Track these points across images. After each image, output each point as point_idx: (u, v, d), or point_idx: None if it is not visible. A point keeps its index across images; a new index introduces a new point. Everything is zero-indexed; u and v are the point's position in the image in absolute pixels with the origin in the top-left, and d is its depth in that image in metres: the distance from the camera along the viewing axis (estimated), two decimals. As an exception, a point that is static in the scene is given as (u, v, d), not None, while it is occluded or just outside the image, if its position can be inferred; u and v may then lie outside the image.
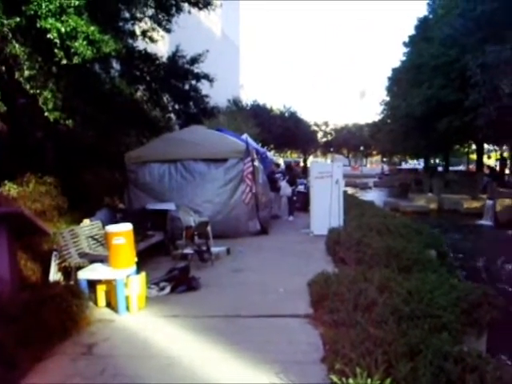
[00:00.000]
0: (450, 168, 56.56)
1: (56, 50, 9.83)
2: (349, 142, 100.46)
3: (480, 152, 45.31)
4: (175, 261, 9.46)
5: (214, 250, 9.96)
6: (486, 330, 5.91)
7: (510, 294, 12.51)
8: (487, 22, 28.71)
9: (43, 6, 9.39)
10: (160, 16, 17.34)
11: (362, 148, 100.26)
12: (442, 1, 44.85)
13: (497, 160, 47.20)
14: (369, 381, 3.84)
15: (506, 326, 7.28)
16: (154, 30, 17.64)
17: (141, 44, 17.91)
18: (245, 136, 18.40)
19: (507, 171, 40.08)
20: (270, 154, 28.57)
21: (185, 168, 12.70)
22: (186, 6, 17.35)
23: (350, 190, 36.40)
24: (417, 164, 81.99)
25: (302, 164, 43.64)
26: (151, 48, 18.37)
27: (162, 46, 25.14)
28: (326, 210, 12.41)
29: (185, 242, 10.36)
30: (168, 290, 7.52)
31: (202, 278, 8.03)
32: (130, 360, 5.07)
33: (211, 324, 6.09)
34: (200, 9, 17.80)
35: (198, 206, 12.19)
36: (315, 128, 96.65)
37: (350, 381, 3.89)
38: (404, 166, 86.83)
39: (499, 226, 24.87)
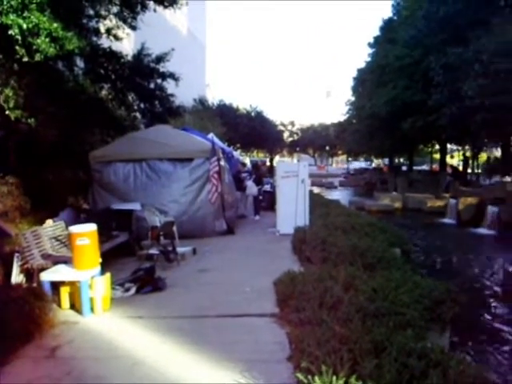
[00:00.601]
0: (414, 167, 57.50)
1: (17, 47, 9.66)
2: (315, 141, 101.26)
3: (443, 152, 46.15)
4: (141, 261, 9.36)
5: (179, 250, 9.91)
6: (448, 326, 6.01)
7: (473, 290, 12.78)
8: (450, 23, 29.25)
9: (4, 2, 9.21)
10: (125, 13, 17.17)
11: (327, 148, 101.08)
12: (406, 2, 45.47)
13: (460, 160, 48.11)
14: (334, 378, 3.86)
15: (468, 322, 7.44)
16: (118, 27, 17.46)
17: (105, 42, 17.70)
18: (211, 135, 18.36)
19: (469, 170, 40.88)
20: (237, 154, 28.53)
21: (150, 167, 12.59)
22: (151, 3, 17.23)
23: (316, 190, 36.68)
24: (381, 163, 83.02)
25: (268, 163, 43.73)
26: (116, 46, 18.17)
27: (127, 44, 24.90)
28: (292, 210, 12.45)
29: (150, 242, 10.29)
30: (133, 290, 7.45)
31: (167, 279, 7.97)
32: (94, 362, 5.00)
33: (177, 325, 6.05)
34: (165, 7, 17.67)
35: (163, 205, 12.09)
36: (281, 128, 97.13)
37: (316, 379, 3.89)
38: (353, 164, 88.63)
39: (462, 224, 25.38)
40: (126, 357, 5.08)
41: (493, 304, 12.11)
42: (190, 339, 5.46)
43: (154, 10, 17.77)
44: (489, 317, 11.24)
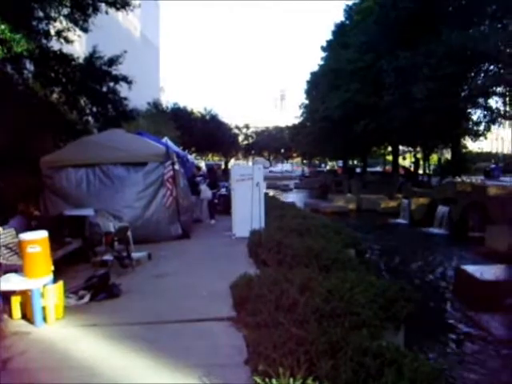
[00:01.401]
0: (368, 169, 58.40)
1: (-38, 50, 9.38)
2: (270, 144, 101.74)
3: (395, 153, 47.07)
4: (95, 268, 9.18)
5: (134, 255, 9.79)
6: (403, 324, 6.12)
7: (426, 288, 13.08)
8: (400, 28, 29.89)
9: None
10: (76, 16, 16.90)
11: (282, 150, 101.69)
12: (357, 7, 46.22)
13: (411, 161, 49.13)
14: (291, 380, 3.88)
15: (422, 319, 7.61)
16: (69, 29, 17.18)
17: (56, 44, 17.37)
18: (165, 139, 18.21)
19: (421, 171, 41.79)
20: (192, 157, 28.41)
21: (103, 172, 12.40)
22: (103, 5, 17.00)
23: (272, 192, 36.82)
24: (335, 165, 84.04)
25: (223, 167, 43.69)
26: (67, 49, 17.88)
27: (78, 47, 24.52)
28: (248, 213, 12.47)
29: (104, 248, 10.12)
30: (87, 298, 7.31)
31: (122, 285, 7.85)
32: (48, 373, 4.88)
33: (133, 332, 5.97)
34: (118, 9, 17.47)
35: (117, 211, 11.90)
36: (236, 131, 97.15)
37: (273, 381, 3.91)
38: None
39: (414, 223, 25.99)
40: (81, 367, 4.97)
41: (445, 301, 12.42)
42: (147, 346, 5.40)
43: (106, 13, 17.55)
44: (441, 313, 11.53)
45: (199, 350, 5.30)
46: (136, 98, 24.11)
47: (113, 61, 18.83)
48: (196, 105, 75.10)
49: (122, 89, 19.63)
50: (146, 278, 8.84)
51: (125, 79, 19.13)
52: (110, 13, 17.95)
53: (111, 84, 19.10)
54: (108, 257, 9.53)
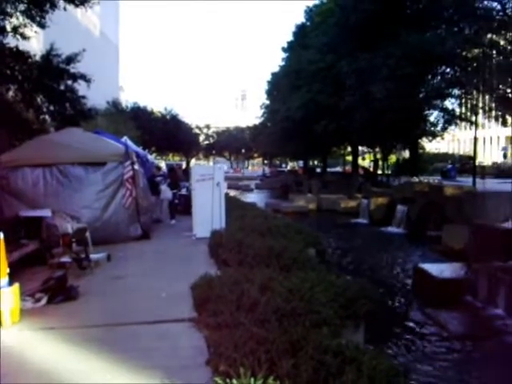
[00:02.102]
0: (328, 169, 58.99)
1: None
2: (230, 144, 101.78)
3: (355, 154, 47.69)
4: (52, 270, 8.98)
5: (93, 256, 9.62)
6: (363, 322, 6.19)
7: (385, 286, 13.26)
8: (360, 31, 30.29)
9: None
10: (33, 12, 16.52)
11: (243, 150, 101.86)
12: (318, 9, 46.60)
13: (371, 161, 49.82)
14: (252, 380, 3.87)
15: (381, 316, 7.71)
16: (26, 26, 16.78)
17: (12, 41, 16.96)
18: (124, 139, 17.99)
19: (380, 172, 42.43)
20: (152, 157, 28.16)
21: (61, 172, 12.15)
22: (61, 2, 16.69)
23: (232, 193, 36.81)
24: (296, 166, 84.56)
25: (184, 167, 43.35)
26: (24, 46, 17.47)
27: (35, 44, 24.06)
28: (208, 213, 12.43)
29: (62, 249, 9.92)
30: (44, 301, 7.14)
31: (81, 287, 7.70)
32: (4, 378, 4.73)
33: (92, 334, 5.86)
34: (76, 5, 17.20)
35: (75, 211, 11.68)
36: (197, 131, 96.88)
37: (234, 381, 3.89)
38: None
39: (373, 223, 26.35)
40: (38, 371, 4.85)
41: (404, 299, 12.62)
42: (107, 349, 5.30)
43: (65, 9, 17.25)
44: (401, 311, 11.72)
45: (160, 351, 5.24)
46: (95, 96, 23.73)
47: (71, 58, 18.51)
48: (156, 104, 74.68)
49: (81, 87, 19.32)
50: (105, 279, 8.72)
51: (83, 77, 18.83)
52: (68, 9, 17.64)
53: (69, 82, 18.78)
54: (66, 258, 9.33)
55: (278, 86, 52.75)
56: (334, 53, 34.79)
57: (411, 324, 10.80)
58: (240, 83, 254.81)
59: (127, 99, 69.55)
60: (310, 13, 50.78)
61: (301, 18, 53.50)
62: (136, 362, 4.90)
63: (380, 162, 44.87)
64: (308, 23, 50.91)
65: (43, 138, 14.52)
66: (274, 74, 59.82)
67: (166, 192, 16.74)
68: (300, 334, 4.68)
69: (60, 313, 6.78)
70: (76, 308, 7.00)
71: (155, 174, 18.18)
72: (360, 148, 50.82)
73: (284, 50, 57.44)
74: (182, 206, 17.86)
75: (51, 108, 19.18)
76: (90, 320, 6.38)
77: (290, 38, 55.43)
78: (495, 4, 23.20)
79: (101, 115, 34.32)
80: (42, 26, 17.24)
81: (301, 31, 51.35)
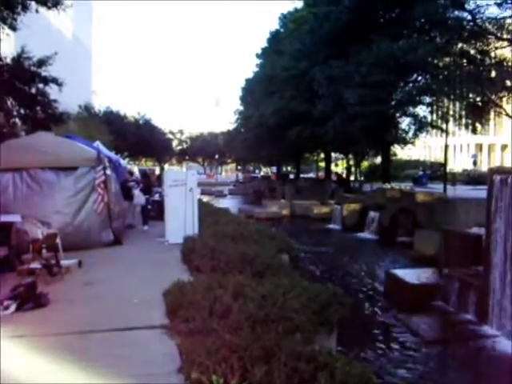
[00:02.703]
0: (301, 175, 59.23)
1: None
2: (204, 150, 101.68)
3: (328, 160, 48.00)
4: (21, 276, 8.83)
5: (64, 263, 9.49)
6: (335, 328, 6.20)
7: (358, 291, 13.35)
8: (333, 38, 30.58)
9: None
10: (4, 13, 16.27)
11: (216, 156, 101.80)
12: (292, 16, 46.91)
13: (344, 167, 50.22)
14: (224, 387, 3.85)
15: (354, 322, 7.75)
16: (-4, 28, 16.53)
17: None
18: (96, 143, 17.82)
19: (352, 178, 42.79)
20: (124, 162, 27.93)
21: (31, 177, 11.96)
22: (33, 4, 16.46)
23: (206, 198, 36.70)
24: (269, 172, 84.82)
25: (157, 172, 43.04)
26: (-6, 48, 17.20)
27: (6, 47, 23.63)
28: (181, 219, 12.38)
29: (32, 255, 9.76)
30: (13, 308, 7.01)
31: (51, 294, 7.58)
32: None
33: (62, 342, 5.76)
34: (49, 8, 16.98)
35: (46, 217, 11.50)
36: (170, 136, 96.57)
37: (206, 389, 3.87)
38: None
39: (346, 229, 26.53)
40: (7, 380, 4.75)
41: (376, 304, 12.70)
42: (77, 357, 5.22)
43: (37, 11, 17.03)
44: (373, 316, 11.79)
45: (131, 359, 5.18)
46: (67, 100, 23.47)
47: (42, 62, 18.29)
48: (130, 109, 74.09)
49: (52, 91, 19.09)
50: (76, 286, 8.60)
51: (55, 81, 18.62)
52: (40, 12, 17.42)
53: (40, 85, 18.56)
54: (35, 265, 9.17)
55: (252, 92, 52.93)
56: (307, 59, 35.01)
57: (383, 329, 10.87)
58: (214, 89, 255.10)
59: (100, 103, 68.88)
60: (285, 20, 51.11)
61: (276, 25, 53.88)
62: (107, 370, 4.83)
63: (353, 169, 45.27)
64: (282, 30, 51.21)
65: (13, 142, 14.33)
66: (248, 80, 59.99)
67: (140, 197, 16.61)
68: (273, 340, 4.67)
69: (30, 320, 6.66)
70: (46, 315, 6.88)
71: (128, 179, 18.03)
72: (333, 154, 51.19)
73: (258, 56, 57.68)
74: (155, 212, 17.75)
75: (22, 112, 18.92)
76: (60, 327, 6.28)
77: (265, 44, 55.68)
78: (466, 14, 23.62)
79: (73, 119, 33.97)
80: (13, 28, 16.99)
81: (275, 38, 51.62)
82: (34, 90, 18.44)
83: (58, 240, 10.20)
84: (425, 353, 9.41)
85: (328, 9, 30.28)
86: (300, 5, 43.67)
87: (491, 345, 9.45)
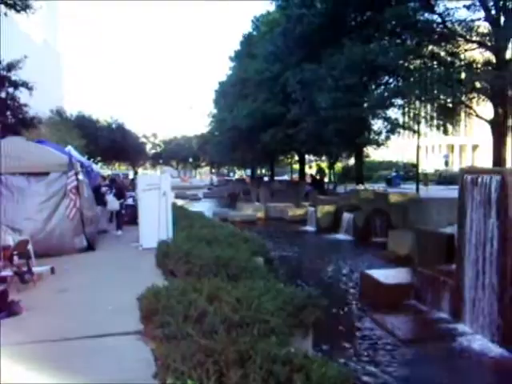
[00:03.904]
0: (276, 178, 59.32)
1: None
2: (178, 153, 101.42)
3: (302, 162, 48.21)
4: (-8, 284, 8.70)
5: (36, 269, 9.35)
6: (311, 330, 6.21)
7: (333, 293, 13.40)
8: (306, 41, 30.73)
9: None
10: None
11: (190, 159, 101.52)
12: (265, 18, 46.97)
13: (316, 170, 50.46)
14: (200, 392, 3.83)
15: (329, 323, 7.79)
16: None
17: None
18: (68, 148, 17.62)
19: (326, 180, 43.00)
20: (97, 167, 27.66)
21: (1, 183, 11.76)
22: (2, 7, 16.24)
23: (180, 202, 36.51)
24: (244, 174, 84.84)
25: (131, 176, 42.67)
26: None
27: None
28: (155, 223, 12.31)
29: (3, 263, 9.58)
30: (-16, 317, 6.88)
31: (23, 301, 7.45)
32: None
33: (35, 350, 5.69)
34: (18, 11, 16.77)
35: (17, 223, 11.30)
36: (144, 140, 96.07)
37: (182, 394, 3.85)
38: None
39: (321, 230, 26.69)
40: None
41: (352, 305, 12.79)
42: (52, 365, 5.15)
43: (5, 14, 16.78)
44: (349, 317, 11.87)
45: (106, 366, 5.15)
46: (37, 105, 23.17)
47: (12, 65, 18.05)
48: (102, 113, 73.39)
49: (23, 95, 18.83)
50: (49, 293, 8.49)
51: (25, 85, 18.40)
52: (9, 15, 17.18)
53: (10, 90, 18.30)
54: (7, 272, 9.01)
55: (226, 95, 52.96)
56: (280, 62, 35.16)
57: (359, 330, 10.94)
58: (187, 92, 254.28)
59: (72, 107, 68.18)
60: (257, 22, 51.15)
61: (249, 28, 54.03)
62: (83, 378, 4.80)
63: (326, 171, 45.51)
64: (255, 33, 51.26)
65: (-17, 147, 14.04)
66: (221, 83, 60.00)
67: (113, 203, 16.46)
68: (248, 343, 4.65)
69: (2, 329, 6.52)
70: (19, 324, 6.77)
71: (101, 183, 17.86)
72: (307, 157, 51.41)
73: (231, 59, 57.69)
74: (129, 217, 17.61)
75: (-9, 116, 18.63)
76: (33, 336, 6.19)
77: (238, 47, 55.70)
78: (435, 17, 23.96)
79: (44, 124, 33.56)
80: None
81: (248, 41, 51.64)
82: (3, 95, 18.20)
83: (29, 246, 10.05)
84: (400, 352, 9.49)
85: (301, 11, 30.38)
86: (273, 8, 43.82)
87: (465, 342, 9.58)
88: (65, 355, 5.53)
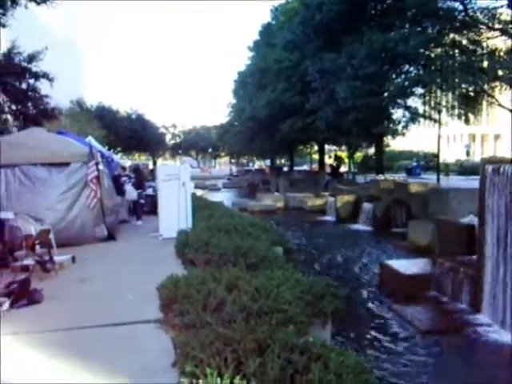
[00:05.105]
0: (295, 168, 59.18)
1: None
2: (197, 144, 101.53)
3: (321, 152, 47.98)
4: (14, 273, 8.80)
5: (57, 259, 9.46)
6: (329, 319, 6.22)
7: (352, 282, 13.40)
8: (325, 29, 30.48)
9: None
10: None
11: (210, 150, 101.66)
12: (283, 8, 46.73)
13: (334, 157, 50.24)
14: (218, 380, 3.85)
15: (348, 313, 7.78)
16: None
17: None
18: (89, 139, 17.74)
19: (346, 169, 42.84)
20: (117, 157, 27.84)
21: (23, 173, 11.89)
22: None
23: (200, 192, 36.67)
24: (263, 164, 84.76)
25: (151, 167, 42.81)
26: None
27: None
28: (175, 213, 12.36)
29: (25, 252, 9.72)
30: (7, 305, 6.98)
31: (45, 290, 7.54)
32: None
33: (57, 338, 5.76)
34: (38, 3, 16.84)
35: (39, 213, 11.43)
36: (163, 130, 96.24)
37: (200, 382, 3.87)
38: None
39: (340, 220, 26.62)
40: (2, 378, 4.74)
41: (371, 295, 12.76)
42: (72, 353, 5.20)
43: (26, 7, 16.89)
44: (368, 307, 11.85)
45: (126, 354, 5.18)
46: (58, 96, 23.34)
47: (33, 57, 18.19)
48: (122, 104, 73.49)
49: (44, 86, 18.98)
50: (70, 282, 8.57)
51: (46, 76, 18.51)
52: (30, 7, 17.29)
53: (31, 81, 18.45)
54: (29, 261, 9.15)
55: (245, 85, 52.85)
56: (299, 51, 34.96)
57: (378, 320, 10.92)
58: (208, 82, 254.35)
59: (92, 99, 68.56)
60: (276, 12, 50.97)
61: (268, 18, 53.78)
62: (102, 365, 4.83)
63: (346, 160, 45.29)
64: (274, 22, 51.06)
65: (5, 138, 14.21)
66: (240, 74, 59.83)
67: (131, 192, 16.57)
68: (266, 332, 4.66)
69: (23, 317, 6.64)
70: (40, 312, 6.86)
71: (121, 174, 17.98)
72: (327, 146, 51.21)
73: (250, 49, 57.52)
74: (149, 207, 17.71)
75: (13, 107, 18.81)
76: (54, 324, 6.26)
77: (257, 37, 55.54)
78: (457, 4, 23.62)
79: (65, 115, 33.82)
80: (2, 25, 16.88)
81: (267, 30, 51.50)
82: (24, 86, 18.35)
83: (51, 236, 10.16)
84: (420, 343, 9.46)
85: (320, 0, 30.16)
86: (292, -3, 43.54)
87: (485, 334, 9.51)
88: (84, 343, 5.58)
